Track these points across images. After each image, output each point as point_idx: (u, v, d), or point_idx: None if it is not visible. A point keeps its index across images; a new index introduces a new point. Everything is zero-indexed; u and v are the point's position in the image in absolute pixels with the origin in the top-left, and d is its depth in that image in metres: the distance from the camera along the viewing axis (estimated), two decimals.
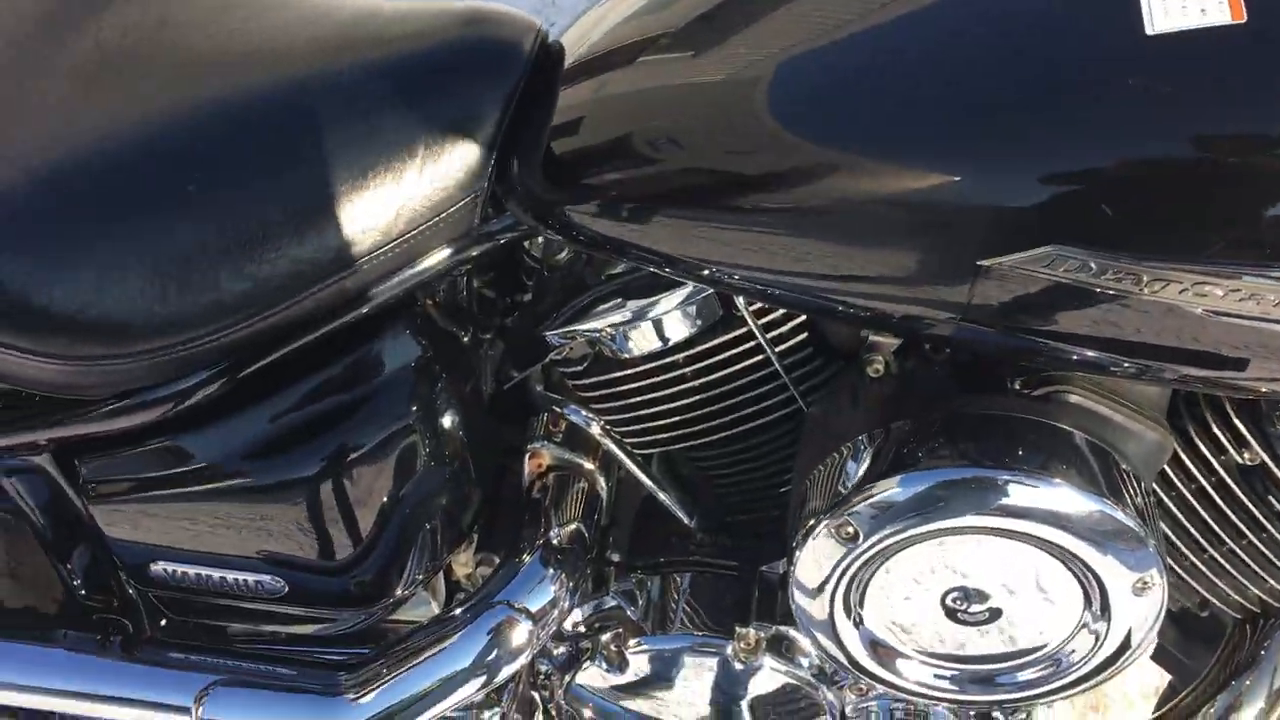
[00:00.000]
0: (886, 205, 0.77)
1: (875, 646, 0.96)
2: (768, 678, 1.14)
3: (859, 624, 0.95)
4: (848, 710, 1.14)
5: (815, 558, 0.93)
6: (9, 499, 1.11)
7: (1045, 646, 0.91)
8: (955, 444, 0.87)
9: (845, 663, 0.99)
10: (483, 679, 1.04)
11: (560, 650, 1.21)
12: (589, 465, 1.15)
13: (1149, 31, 0.71)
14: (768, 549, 1.15)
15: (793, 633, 1.12)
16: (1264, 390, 0.77)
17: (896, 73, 0.81)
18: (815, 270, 0.84)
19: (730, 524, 1.19)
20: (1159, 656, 1.26)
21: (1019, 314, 0.77)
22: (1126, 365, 0.79)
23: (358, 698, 1.03)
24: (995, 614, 0.91)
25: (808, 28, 0.87)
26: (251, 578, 1.08)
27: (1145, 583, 0.86)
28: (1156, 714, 1.18)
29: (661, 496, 1.15)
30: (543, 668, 1.23)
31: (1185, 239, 0.70)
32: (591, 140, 0.95)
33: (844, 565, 0.92)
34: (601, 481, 1.16)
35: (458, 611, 1.08)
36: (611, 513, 1.20)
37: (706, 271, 0.89)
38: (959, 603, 0.92)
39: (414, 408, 1.05)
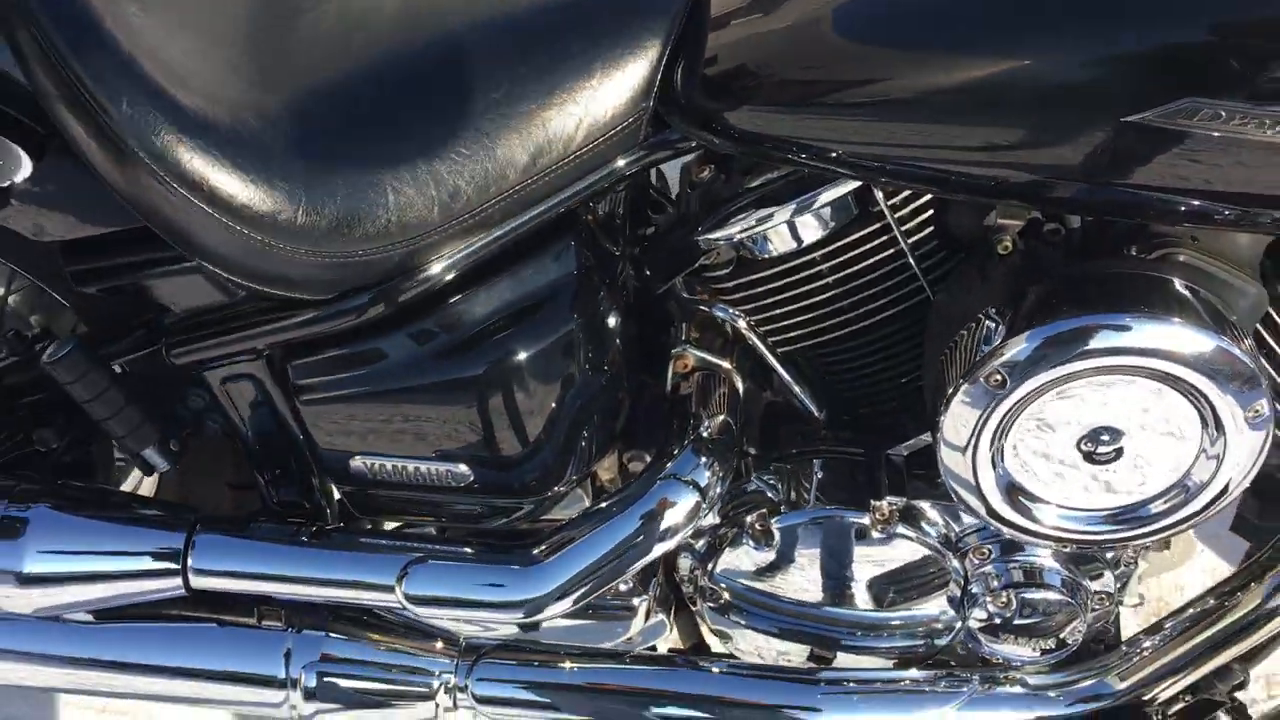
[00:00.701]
0: (1042, 78, 0.92)
1: (1012, 493, 1.10)
2: (897, 549, 1.27)
3: (1000, 473, 1.08)
4: (971, 575, 1.27)
5: (960, 415, 1.06)
6: (220, 407, 1.24)
7: (1173, 475, 1.04)
8: (1085, 298, 1.00)
9: (984, 513, 1.12)
10: (659, 542, 1.18)
11: (701, 543, 1.33)
12: (728, 365, 1.28)
13: None
14: (891, 435, 1.28)
15: (922, 504, 1.25)
16: None
17: None
18: (962, 147, 0.98)
19: (853, 418, 1.32)
20: (1239, 526, 1.40)
21: (1150, 167, 0.91)
22: (1228, 212, 0.92)
23: (553, 560, 1.16)
24: (1127, 450, 1.04)
25: None
26: (443, 467, 1.21)
27: (1257, 412, 0.99)
28: (1237, 570, 1.31)
29: (796, 389, 1.28)
30: (684, 562, 1.35)
31: None
32: (743, 58, 1.08)
33: (985, 418, 1.05)
34: (739, 381, 1.29)
35: (629, 490, 1.21)
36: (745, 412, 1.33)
37: (853, 157, 1.03)
38: (1090, 445, 1.05)
39: (578, 315, 1.18)
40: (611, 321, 1.22)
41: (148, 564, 1.22)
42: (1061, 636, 1.28)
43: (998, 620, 1.28)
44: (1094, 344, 0.98)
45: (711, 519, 1.28)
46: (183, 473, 1.47)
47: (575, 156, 1.10)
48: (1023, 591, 1.25)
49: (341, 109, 1.05)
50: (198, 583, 1.23)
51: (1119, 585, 1.30)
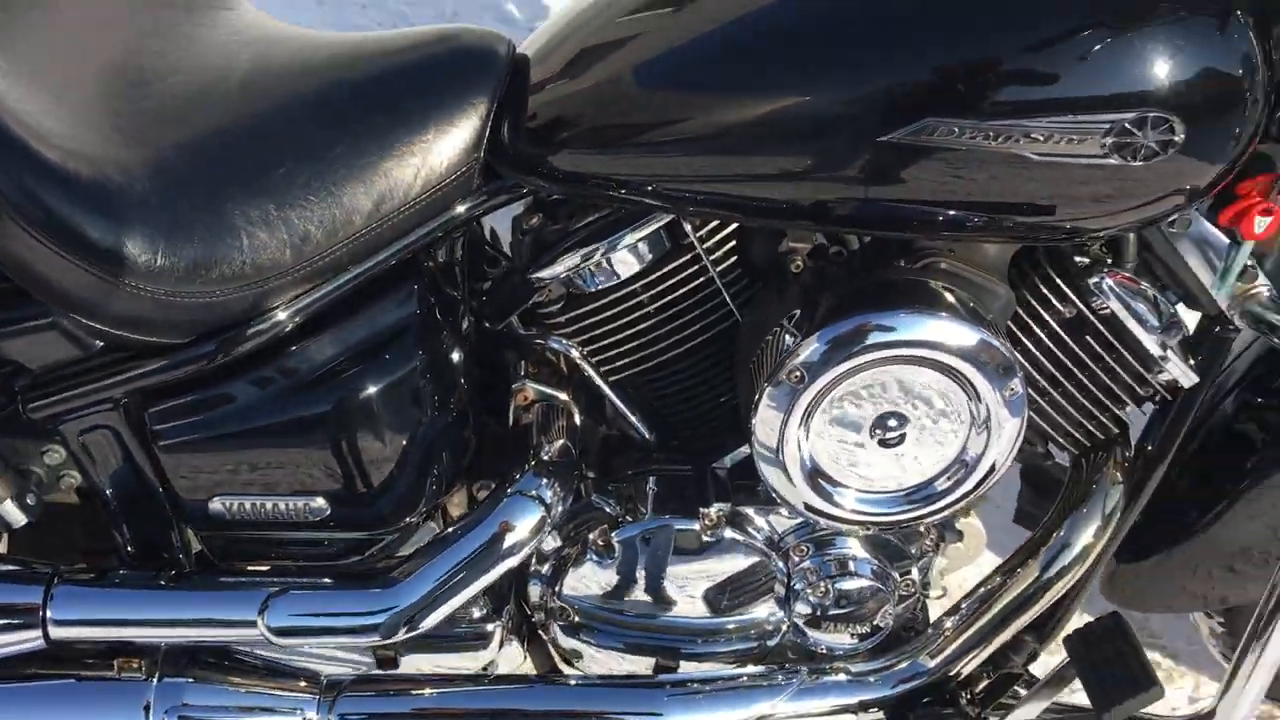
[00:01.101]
0: (809, 112, 1.09)
1: (818, 481, 1.24)
2: (728, 557, 1.39)
3: (807, 464, 1.23)
4: (793, 572, 1.41)
5: (768, 416, 1.21)
6: (77, 461, 1.28)
7: (950, 453, 1.21)
8: (864, 302, 1.17)
9: (799, 505, 1.26)
10: (510, 555, 1.27)
11: (546, 568, 1.43)
12: (565, 396, 1.40)
13: None
14: (714, 450, 1.42)
15: (746, 509, 1.39)
16: (1071, 226, 1.11)
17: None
18: (752, 175, 1.14)
19: (678, 439, 1.45)
20: (1020, 518, 1.58)
21: (907, 181, 1.08)
22: (976, 220, 1.11)
23: (410, 579, 1.24)
24: (911, 433, 1.20)
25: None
26: (300, 502, 1.28)
27: (1014, 390, 1.18)
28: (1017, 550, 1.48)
29: (627, 414, 1.40)
30: (534, 589, 1.44)
31: (1013, 101, 1.04)
32: (560, 111, 1.23)
33: (789, 414, 1.20)
34: (576, 411, 1.41)
35: (476, 510, 1.30)
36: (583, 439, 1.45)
37: (662, 190, 1.18)
38: (880, 430, 1.21)
39: (423, 353, 1.29)
40: (455, 358, 1.33)
41: (5, 618, 1.24)
42: (875, 622, 1.43)
43: (818, 612, 1.42)
44: (872, 339, 1.15)
45: (555, 541, 1.39)
46: (34, 543, 1.48)
47: (415, 202, 1.22)
48: (838, 581, 1.39)
49: (197, 163, 1.15)
50: (57, 634, 1.25)
51: (922, 573, 1.46)
